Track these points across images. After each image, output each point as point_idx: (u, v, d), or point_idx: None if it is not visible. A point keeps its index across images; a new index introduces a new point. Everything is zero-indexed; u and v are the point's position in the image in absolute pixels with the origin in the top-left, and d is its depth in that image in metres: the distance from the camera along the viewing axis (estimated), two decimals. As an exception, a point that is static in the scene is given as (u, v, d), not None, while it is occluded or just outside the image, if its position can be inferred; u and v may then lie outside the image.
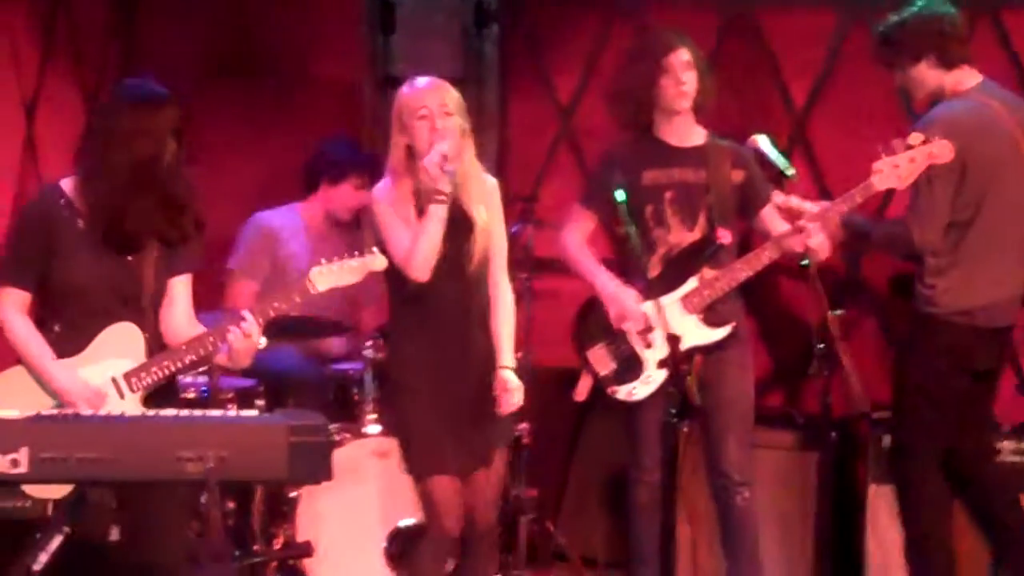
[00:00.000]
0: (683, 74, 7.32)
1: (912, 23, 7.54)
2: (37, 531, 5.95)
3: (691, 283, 7.39)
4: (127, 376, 6.25)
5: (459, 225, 6.72)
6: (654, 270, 7.32)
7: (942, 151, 7.15)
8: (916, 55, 7.53)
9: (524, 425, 8.12)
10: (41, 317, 6.29)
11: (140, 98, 6.29)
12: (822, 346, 6.47)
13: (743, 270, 7.37)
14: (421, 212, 6.70)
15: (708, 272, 7.39)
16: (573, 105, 9.04)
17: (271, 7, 9.12)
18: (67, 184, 6.26)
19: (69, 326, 6.28)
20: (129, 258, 6.26)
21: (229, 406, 7.26)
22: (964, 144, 7.20)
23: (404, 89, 6.85)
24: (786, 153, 7.64)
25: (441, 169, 6.56)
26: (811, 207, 7.33)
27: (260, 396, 7.78)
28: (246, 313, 6.26)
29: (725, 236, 7.40)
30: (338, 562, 7.70)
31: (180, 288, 6.42)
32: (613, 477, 8.27)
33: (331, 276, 6.43)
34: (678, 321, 7.23)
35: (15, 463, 5.67)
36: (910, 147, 7.14)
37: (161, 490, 6.33)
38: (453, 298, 6.76)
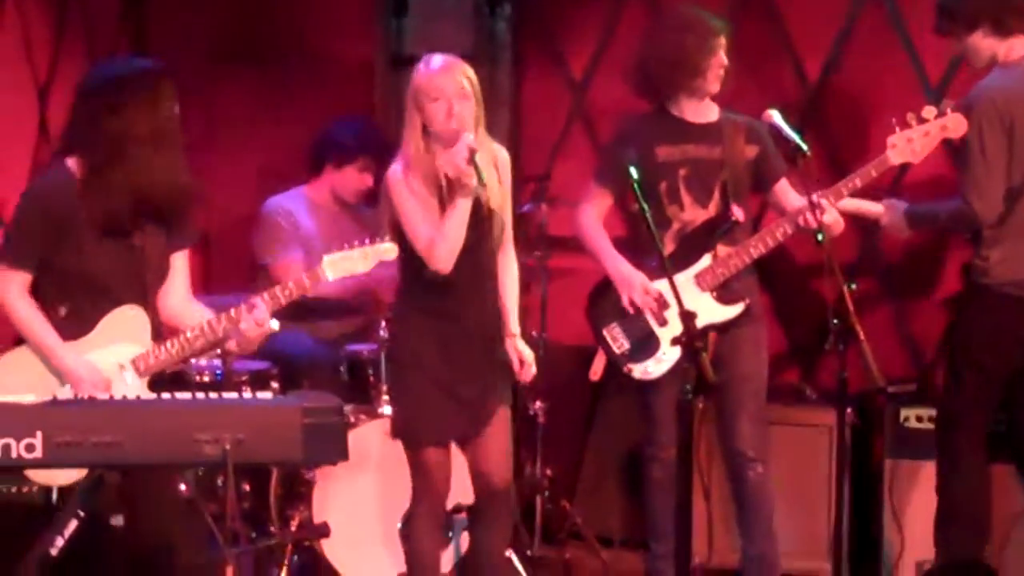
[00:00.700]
0: (724, 60, 7.34)
1: None
2: (43, 516, 5.95)
3: (705, 260, 7.39)
4: (135, 361, 6.27)
5: (476, 212, 6.70)
6: (668, 247, 7.32)
7: (956, 125, 7.17)
8: (972, 24, 7.51)
9: (539, 404, 8.14)
10: (46, 299, 6.27)
11: (124, 77, 6.27)
12: (837, 321, 6.43)
13: (757, 247, 7.37)
14: (440, 195, 6.68)
15: (722, 249, 7.40)
16: (586, 83, 9.04)
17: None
18: (73, 163, 6.23)
19: (75, 309, 6.28)
20: (135, 241, 6.26)
21: (244, 388, 7.25)
22: (1012, 110, 7.22)
23: (420, 68, 6.78)
24: (799, 130, 7.61)
25: (469, 162, 6.53)
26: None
27: (274, 378, 7.80)
28: (257, 300, 6.27)
29: (739, 213, 7.40)
30: (354, 543, 7.73)
31: (179, 263, 6.45)
32: (628, 455, 8.31)
33: (342, 265, 6.45)
34: (692, 299, 7.21)
35: (30, 448, 5.67)
36: (924, 121, 7.15)
37: (162, 474, 6.35)
38: (467, 280, 6.75)
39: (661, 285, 7.16)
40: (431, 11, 9.31)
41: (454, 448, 6.90)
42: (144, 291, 6.30)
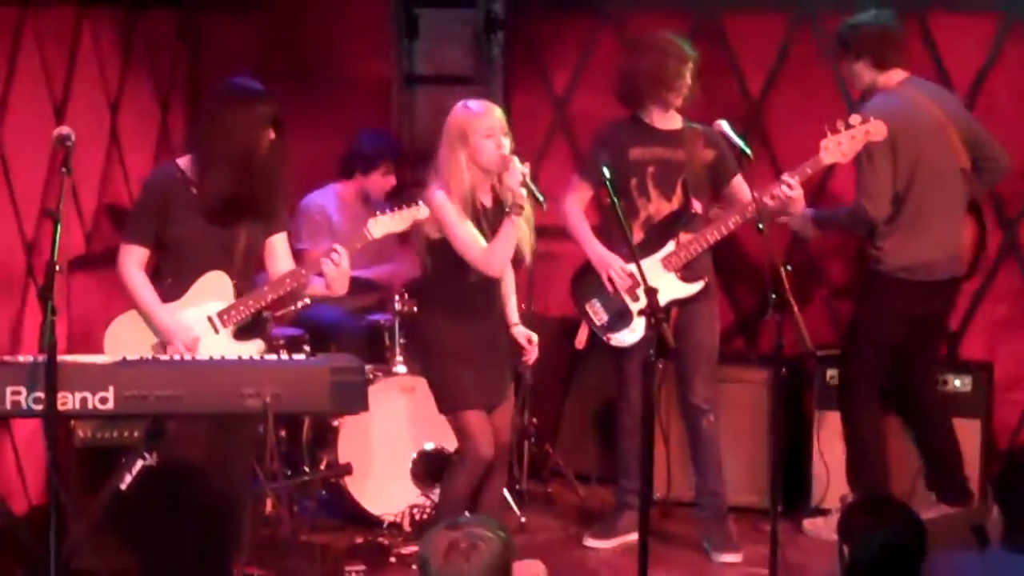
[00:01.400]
0: (690, 80, 7.37)
1: (861, 29, 7.60)
2: (123, 457, 5.99)
3: (670, 246, 7.41)
4: (220, 315, 6.35)
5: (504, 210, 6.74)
6: (637, 235, 7.35)
7: (877, 129, 7.21)
8: (857, 55, 7.59)
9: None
10: (157, 272, 6.42)
11: (240, 93, 6.37)
12: (775, 296, 6.46)
13: (713, 233, 7.40)
14: (475, 216, 6.71)
15: (684, 236, 7.42)
16: (566, 97, 9.01)
17: (314, 19, 9.10)
18: (183, 161, 6.42)
19: (178, 277, 6.39)
20: (230, 225, 6.36)
21: (281, 352, 7.26)
22: (893, 127, 7.25)
23: (463, 110, 6.78)
24: (744, 137, 7.62)
25: (523, 185, 6.54)
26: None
27: (306, 343, 7.78)
28: (337, 246, 6.36)
29: (697, 206, 7.44)
30: (372, 480, 7.75)
31: (280, 244, 6.56)
32: (602, 407, 8.29)
33: (385, 225, 6.51)
34: (659, 278, 7.25)
35: (104, 400, 5.73)
36: (850, 127, 7.20)
37: (235, 429, 6.38)
38: (486, 281, 6.78)
39: (632, 267, 7.17)
40: (438, 36, 9.32)
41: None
42: (232, 262, 6.38)
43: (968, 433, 7.90)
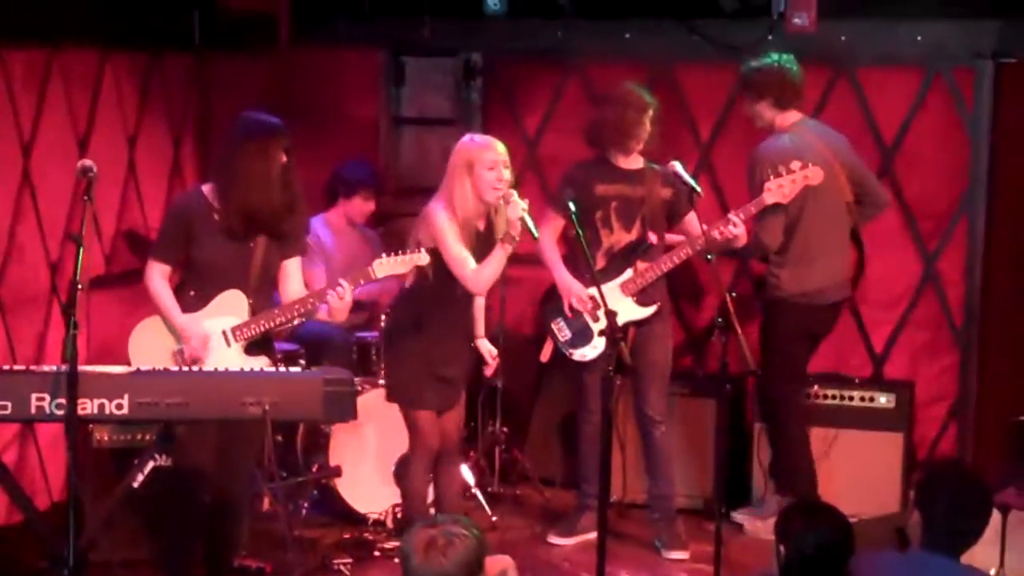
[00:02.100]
0: (649, 127, 7.41)
1: (763, 71, 7.64)
2: (135, 458, 5.99)
3: (628, 273, 7.44)
4: (233, 330, 6.35)
5: (489, 236, 6.78)
6: (600, 262, 7.37)
7: (815, 174, 7.26)
8: (759, 96, 7.64)
9: (498, 378, 8.15)
10: (182, 285, 6.47)
11: (259, 125, 6.37)
12: (720, 320, 6.49)
13: (667, 263, 7.42)
14: (473, 239, 6.72)
15: (641, 264, 7.45)
16: (537, 139, 9.02)
17: (312, 65, 9.12)
18: (207, 189, 6.45)
19: (200, 292, 6.41)
20: (251, 244, 6.36)
21: (279, 364, 7.25)
22: (786, 164, 7.30)
23: (470, 142, 6.80)
24: (695, 176, 7.67)
25: (519, 221, 6.55)
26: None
27: (302, 357, 7.76)
28: (342, 281, 6.36)
29: (653, 238, 7.46)
30: (359, 481, 7.73)
31: (293, 267, 6.57)
32: (566, 417, 8.28)
33: (388, 267, 6.50)
34: (617, 301, 7.28)
35: (119, 407, 5.73)
36: (792, 171, 7.22)
37: (242, 436, 6.38)
38: (462, 292, 6.80)
39: (594, 291, 7.19)
40: (422, 82, 9.32)
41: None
42: (248, 281, 6.39)
43: (891, 445, 7.94)
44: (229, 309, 6.39)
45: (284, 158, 6.38)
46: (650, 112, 7.42)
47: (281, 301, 6.53)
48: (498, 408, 8.26)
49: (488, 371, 7.13)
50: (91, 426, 5.97)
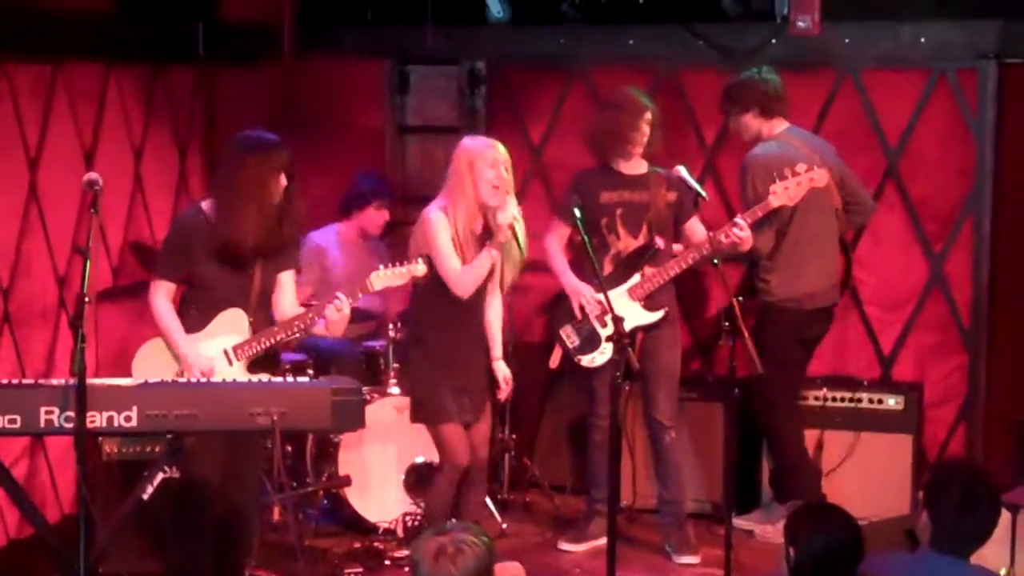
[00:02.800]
0: (647, 130, 7.39)
1: (747, 85, 7.71)
2: (145, 470, 6.00)
3: (635, 278, 7.44)
4: (235, 348, 6.36)
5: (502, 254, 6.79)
6: (606, 268, 7.38)
7: (820, 176, 7.26)
8: (745, 108, 7.70)
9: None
10: (185, 302, 6.47)
11: (256, 143, 6.38)
12: (728, 324, 6.50)
13: (674, 268, 7.42)
14: (472, 237, 6.75)
15: (648, 270, 7.45)
16: (542, 146, 9.03)
17: (317, 75, 9.14)
18: (207, 205, 6.45)
19: (201, 310, 6.43)
20: (250, 263, 6.41)
21: (287, 375, 7.27)
22: (775, 170, 7.31)
23: (471, 144, 6.87)
24: (700, 180, 7.68)
25: (510, 227, 6.59)
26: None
27: (309, 367, 7.79)
28: (339, 295, 6.36)
29: (660, 243, 7.46)
30: (369, 490, 7.74)
31: (286, 281, 6.58)
32: (575, 423, 8.29)
33: (385, 279, 6.53)
34: (625, 307, 7.28)
35: (128, 419, 5.74)
36: (797, 174, 7.23)
37: (247, 446, 6.39)
38: (473, 302, 6.81)
39: (601, 298, 7.20)
40: (427, 91, 9.34)
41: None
42: (249, 299, 6.41)
43: (900, 447, 7.96)
44: (230, 328, 6.41)
45: (284, 179, 6.37)
46: (647, 115, 7.42)
47: (275, 314, 6.53)
48: (507, 415, 8.26)
49: (501, 395, 7.13)
50: (100, 439, 5.99)
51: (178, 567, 6.52)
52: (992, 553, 5.08)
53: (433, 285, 6.78)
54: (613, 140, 7.43)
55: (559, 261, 7.58)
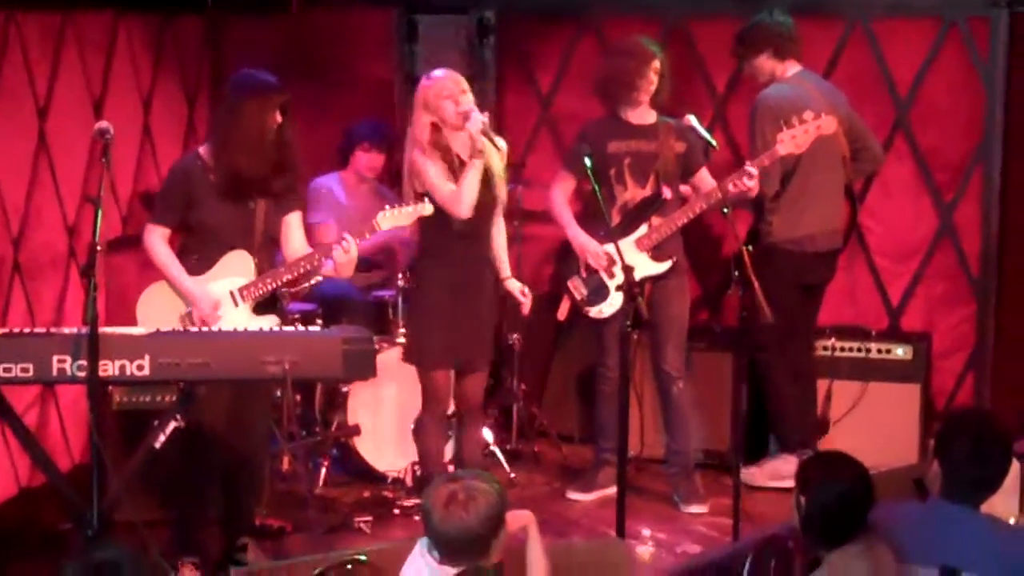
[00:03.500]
0: (654, 78, 7.36)
1: (760, 26, 7.71)
2: (156, 419, 6.02)
3: (642, 229, 7.42)
4: (240, 290, 6.36)
5: (484, 176, 6.76)
6: (614, 219, 7.36)
7: (828, 123, 7.23)
8: (759, 49, 7.71)
9: (516, 336, 8.17)
10: (184, 250, 6.44)
11: (252, 84, 6.37)
12: (737, 273, 6.50)
13: (681, 217, 7.41)
14: (452, 169, 6.74)
15: (655, 220, 7.43)
16: (551, 96, 9.02)
17: (326, 25, 9.10)
18: (203, 150, 6.44)
19: (203, 255, 6.41)
20: (250, 204, 6.35)
21: (296, 324, 7.28)
22: (786, 113, 7.29)
23: (425, 81, 6.87)
24: (710, 129, 7.67)
25: (482, 132, 6.61)
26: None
27: (319, 317, 7.79)
28: (347, 235, 6.37)
29: (667, 193, 7.44)
30: (378, 439, 7.75)
31: (294, 222, 6.56)
32: (583, 373, 8.29)
33: (391, 218, 6.53)
34: (632, 257, 7.27)
35: (140, 367, 5.74)
36: (804, 121, 7.19)
37: (254, 394, 6.40)
38: (472, 235, 6.83)
39: (610, 247, 7.20)
40: (436, 41, 9.30)
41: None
42: (252, 241, 6.40)
43: (909, 397, 7.98)
44: (235, 270, 6.40)
45: (279, 117, 6.35)
46: (655, 63, 7.38)
47: (284, 258, 6.54)
48: (515, 365, 8.27)
49: (524, 309, 7.10)
50: (110, 387, 6.00)
51: (187, 514, 6.55)
52: (1001, 503, 5.09)
53: (436, 223, 6.78)
54: (618, 87, 7.41)
55: (565, 212, 7.57)
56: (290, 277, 6.46)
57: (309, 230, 7.25)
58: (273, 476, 7.43)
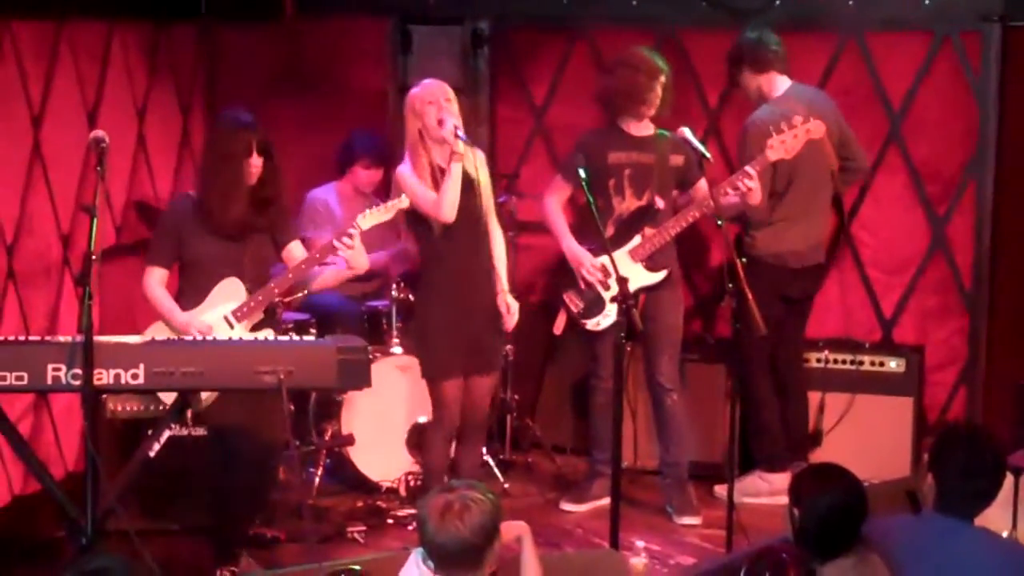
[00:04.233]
0: (660, 92, 7.41)
1: (738, 44, 7.83)
2: (151, 428, 6.04)
3: (636, 239, 7.46)
4: (234, 312, 6.40)
5: (468, 184, 6.79)
6: (609, 230, 7.38)
7: (817, 128, 7.28)
8: (738, 65, 7.82)
9: (510, 346, 8.19)
10: (181, 289, 6.56)
11: (227, 127, 6.49)
12: (731, 285, 6.53)
13: (674, 227, 7.44)
14: (433, 178, 6.76)
15: (648, 230, 7.46)
16: (544, 107, 9.02)
17: (320, 34, 9.11)
18: (194, 191, 6.59)
19: (198, 289, 6.51)
20: (242, 239, 6.48)
21: (290, 334, 7.28)
22: (773, 128, 7.30)
23: (413, 89, 6.98)
24: (703, 141, 7.69)
25: (455, 136, 6.67)
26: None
27: (313, 326, 7.80)
28: (349, 230, 6.46)
29: (660, 203, 7.47)
30: (372, 449, 7.77)
31: (296, 250, 6.67)
32: (577, 384, 8.32)
33: (372, 217, 6.58)
34: (627, 268, 7.31)
35: (135, 376, 5.75)
36: (793, 127, 7.23)
37: (264, 407, 6.41)
38: (468, 243, 6.86)
39: (604, 259, 7.22)
40: (430, 51, 9.28)
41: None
42: (243, 272, 6.49)
43: (901, 410, 8.02)
44: (227, 296, 6.47)
45: (257, 157, 6.44)
46: (662, 78, 7.42)
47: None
48: (509, 375, 8.29)
49: (507, 324, 7.09)
50: (104, 396, 6.01)
51: (183, 524, 6.57)
52: (995, 515, 5.12)
53: (430, 234, 6.84)
54: (626, 100, 7.44)
55: (559, 223, 7.60)
56: (281, 291, 6.53)
57: (305, 243, 7.27)
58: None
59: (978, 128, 8.09)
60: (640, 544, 6.34)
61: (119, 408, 6.66)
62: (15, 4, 7.15)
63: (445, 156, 6.80)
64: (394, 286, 7.88)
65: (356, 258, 6.52)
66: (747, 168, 7.24)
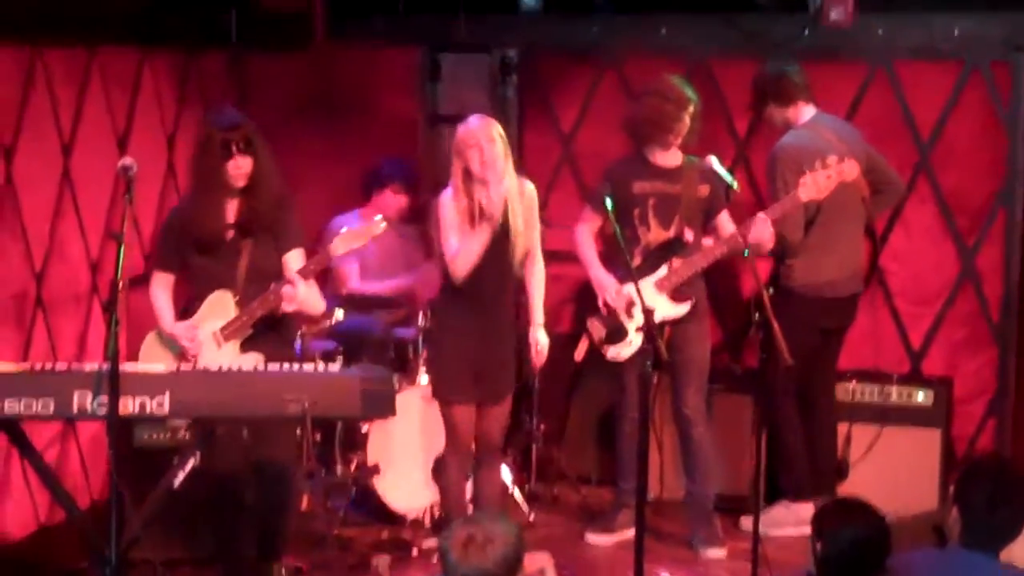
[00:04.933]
0: (688, 122, 7.41)
1: (760, 78, 7.84)
2: (175, 457, 6.07)
3: (663, 270, 7.45)
4: (221, 331, 6.43)
5: (504, 231, 6.79)
6: (636, 260, 7.39)
7: (851, 169, 7.24)
8: (763, 99, 7.81)
9: (535, 376, 8.19)
10: (191, 296, 6.58)
11: (206, 130, 6.51)
12: (757, 316, 6.53)
13: (701, 260, 7.44)
14: (471, 219, 6.77)
15: (676, 262, 7.45)
16: (573, 135, 9.06)
17: (350, 62, 9.16)
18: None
19: (197, 296, 6.55)
20: (237, 243, 6.50)
21: (317, 362, 7.32)
22: (802, 160, 7.34)
23: (460, 127, 6.89)
24: (731, 171, 7.70)
25: (499, 201, 6.66)
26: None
27: (339, 355, 7.82)
28: (293, 277, 6.40)
29: (689, 235, 7.48)
30: (397, 479, 7.76)
31: (293, 260, 6.58)
32: (603, 415, 8.33)
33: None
34: (652, 298, 7.31)
35: (160, 405, 5.78)
36: (827, 166, 7.21)
37: (274, 433, 6.43)
38: (493, 282, 6.85)
39: (630, 288, 7.24)
40: (458, 79, 9.35)
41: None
42: (235, 280, 6.49)
43: (929, 442, 7.99)
44: (216, 311, 6.51)
45: (241, 157, 6.41)
46: (690, 108, 7.42)
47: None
48: (535, 406, 8.29)
49: (534, 363, 7.11)
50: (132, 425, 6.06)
51: (213, 554, 6.58)
52: (1020, 550, 5.10)
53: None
54: (653, 129, 7.44)
55: (588, 252, 7.61)
56: (262, 312, 6.49)
57: (334, 272, 7.33)
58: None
59: (1007, 158, 8.08)
60: (665, 576, 6.36)
61: (145, 437, 6.74)
62: (47, 31, 7.22)
63: (487, 195, 6.81)
64: (421, 315, 7.89)
65: (306, 303, 6.52)
66: (760, 215, 7.22)
